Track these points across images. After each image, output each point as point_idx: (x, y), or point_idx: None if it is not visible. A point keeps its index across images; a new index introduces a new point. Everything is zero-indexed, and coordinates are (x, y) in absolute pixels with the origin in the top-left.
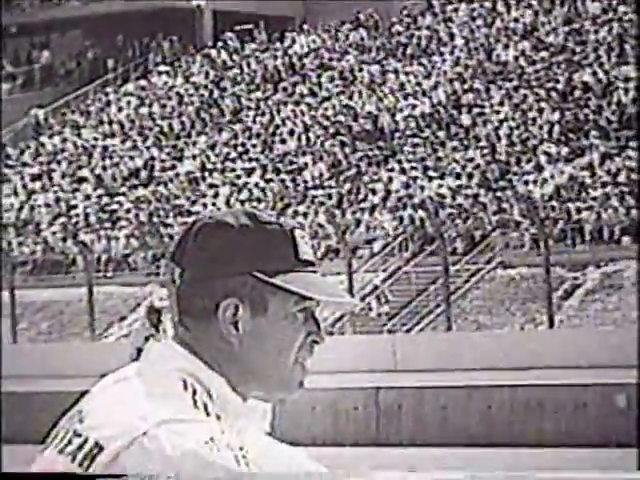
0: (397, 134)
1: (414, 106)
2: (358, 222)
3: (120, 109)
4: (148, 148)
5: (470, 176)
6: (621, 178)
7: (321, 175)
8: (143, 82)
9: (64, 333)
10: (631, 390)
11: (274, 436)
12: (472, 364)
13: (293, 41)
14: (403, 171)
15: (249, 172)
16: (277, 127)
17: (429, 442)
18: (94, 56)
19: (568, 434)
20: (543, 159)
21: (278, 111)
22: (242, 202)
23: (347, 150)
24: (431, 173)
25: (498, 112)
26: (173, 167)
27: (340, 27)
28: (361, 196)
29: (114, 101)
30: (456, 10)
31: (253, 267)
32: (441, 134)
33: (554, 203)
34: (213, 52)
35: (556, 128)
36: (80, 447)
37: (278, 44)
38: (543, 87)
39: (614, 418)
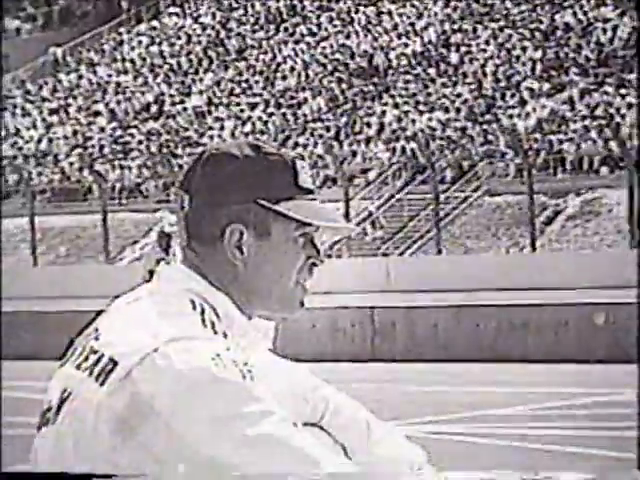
0: (390, 71)
1: (406, 45)
2: (354, 153)
3: (133, 48)
4: (158, 84)
5: (458, 110)
6: (599, 112)
7: (319, 109)
8: (154, 23)
9: (80, 256)
10: (609, 309)
11: (277, 352)
12: (460, 285)
13: None
14: (396, 105)
15: (252, 106)
16: (279, 65)
17: (421, 358)
18: None
19: (550, 350)
20: (526, 94)
21: (280, 50)
22: (246, 134)
23: (344, 86)
24: (422, 107)
25: (485, 51)
26: (182, 102)
27: None
28: (357, 129)
29: (127, 40)
30: None
31: (256, 195)
32: (431, 71)
33: (537, 135)
34: None
35: (538, 65)
36: (96, 363)
37: None
38: (527, 27)
39: (593, 335)
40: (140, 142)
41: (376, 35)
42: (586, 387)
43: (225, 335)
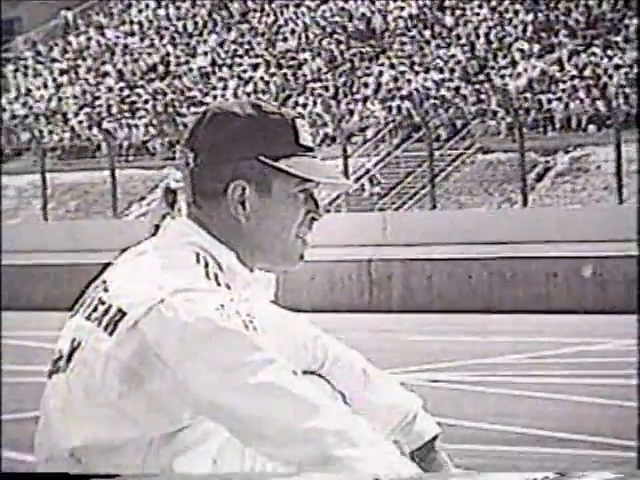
0: (387, 33)
1: (402, 8)
2: (352, 112)
3: (140, 11)
4: (164, 46)
5: (452, 70)
6: (587, 72)
7: (319, 70)
8: None
9: (89, 211)
10: (596, 262)
11: (278, 303)
12: (454, 239)
13: None
14: (392, 66)
15: (254, 67)
16: (280, 27)
17: (416, 308)
18: None
19: (540, 301)
20: (517, 55)
21: (281, 12)
22: (248, 94)
23: (342, 47)
24: (417, 68)
25: (477, 14)
26: (187, 62)
27: None
28: (354, 88)
29: (134, 4)
30: None
31: (258, 152)
32: (426, 33)
33: (527, 95)
34: None
35: (529, 28)
36: (105, 313)
37: None
38: None
39: (581, 287)
40: (146, 101)
41: None
42: (574, 336)
43: (228, 287)
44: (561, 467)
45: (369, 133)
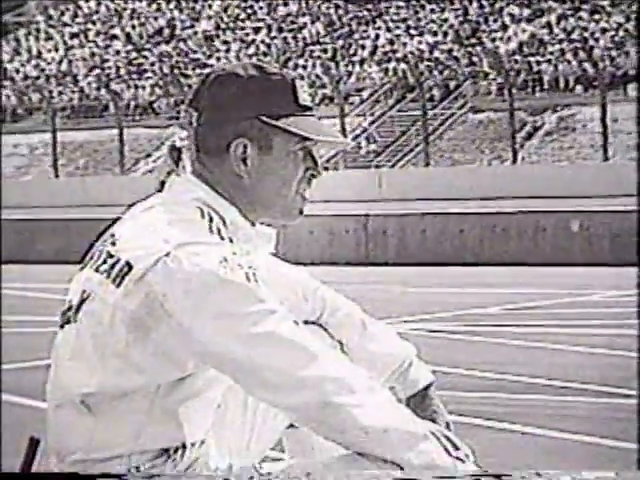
0: None
1: None
2: (349, 73)
3: None
4: (170, 10)
5: (445, 34)
6: (574, 36)
7: (318, 33)
8: None
9: (98, 168)
10: (583, 216)
11: (278, 256)
12: (447, 194)
13: None
14: (388, 29)
15: (256, 30)
16: None
17: (410, 261)
18: None
19: (529, 254)
20: (508, 19)
21: None
22: (250, 56)
23: (340, 12)
24: (412, 31)
25: None
26: (192, 26)
27: None
28: (352, 51)
29: None
30: None
31: (259, 111)
32: None
33: (517, 57)
34: None
35: None
36: (113, 266)
37: None
38: None
39: (568, 240)
40: (153, 64)
41: None
42: (562, 288)
43: (231, 241)
44: (549, 413)
45: (365, 94)
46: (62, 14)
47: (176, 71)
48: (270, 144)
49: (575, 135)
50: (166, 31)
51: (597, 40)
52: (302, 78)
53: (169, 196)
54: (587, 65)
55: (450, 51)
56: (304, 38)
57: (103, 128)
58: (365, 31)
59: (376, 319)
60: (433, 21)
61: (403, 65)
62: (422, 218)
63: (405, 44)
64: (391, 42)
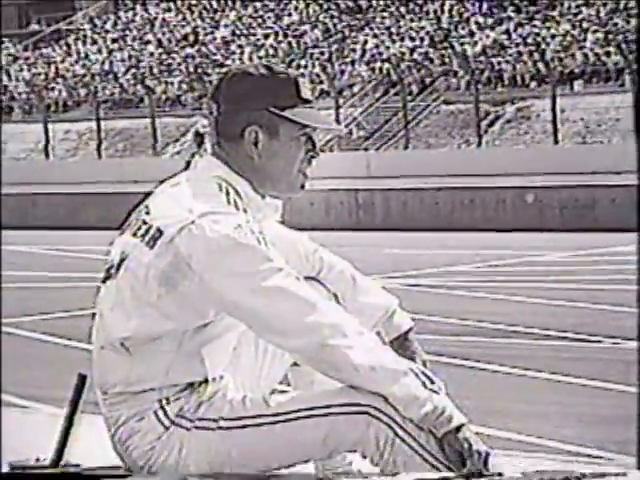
0: (371, 9)
1: None
2: (343, 72)
3: None
4: (194, 19)
5: (422, 39)
6: (529, 40)
7: (317, 39)
8: None
9: (134, 151)
10: (537, 191)
11: (284, 224)
12: (424, 172)
13: None
14: (375, 35)
15: (266, 36)
16: (286, 4)
17: (394, 227)
18: None
19: (492, 222)
20: (474, 27)
21: None
22: (260, 58)
23: (335, 20)
24: (395, 37)
25: None
26: (212, 33)
27: None
28: (345, 53)
29: None
30: None
31: (268, 104)
32: (402, 9)
33: (482, 58)
34: None
35: (484, 5)
36: (146, 232)
37: None
38: None
39: (524, 210)
40: (179, 64)
41: None
42: (520, 250)
43: (245, 211)
44: (513, 354)
45: (356, 88)
46: (105, 23)
47: (199, 70)
48: (277, 131)
49: (530, 123)
50: (191, 37)
51: (548, 44)
52: (303, 76)
53: (193, 174)
54: (540, 65)
55: (426, 53)
56: (305, 43)
57: (139, 117)
58: (356, 37)
59: (365, 275)
60: (412, 28)
61: (387, 65)
62: (403, 192)
63: (389, 47)
64: (377, 46)
